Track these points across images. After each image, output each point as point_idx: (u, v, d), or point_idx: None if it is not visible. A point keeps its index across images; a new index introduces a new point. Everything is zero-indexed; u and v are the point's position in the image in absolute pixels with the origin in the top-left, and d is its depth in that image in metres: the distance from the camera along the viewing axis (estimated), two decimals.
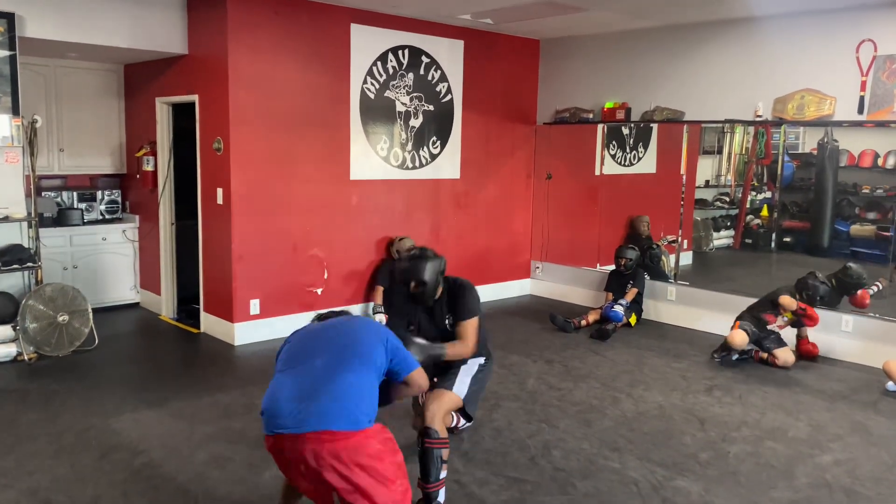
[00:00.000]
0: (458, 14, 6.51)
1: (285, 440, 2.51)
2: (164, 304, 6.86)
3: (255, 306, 6.03)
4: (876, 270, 6.16)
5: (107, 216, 7.03)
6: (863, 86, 5.67)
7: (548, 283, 8.08)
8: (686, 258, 7.45)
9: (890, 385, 5.13)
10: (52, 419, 4.37)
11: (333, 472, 2.46)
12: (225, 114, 5.73)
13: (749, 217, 7.45)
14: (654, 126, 7.38)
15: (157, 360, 5.68)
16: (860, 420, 4.62)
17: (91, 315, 5.76)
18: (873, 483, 3.75)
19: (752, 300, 6.40)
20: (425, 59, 6.92)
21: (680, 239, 7.19)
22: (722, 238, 7.84)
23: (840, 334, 5.87)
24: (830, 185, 6.59)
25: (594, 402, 4.84)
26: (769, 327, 5.69)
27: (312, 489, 2.60)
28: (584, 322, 6.69)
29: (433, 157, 7.15)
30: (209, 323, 6.27)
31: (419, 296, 3.54)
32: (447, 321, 3.61)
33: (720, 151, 7.50)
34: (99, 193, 7.00)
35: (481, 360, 3.75)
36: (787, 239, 6.97)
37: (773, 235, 6.88)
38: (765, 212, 7.22)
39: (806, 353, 5.81)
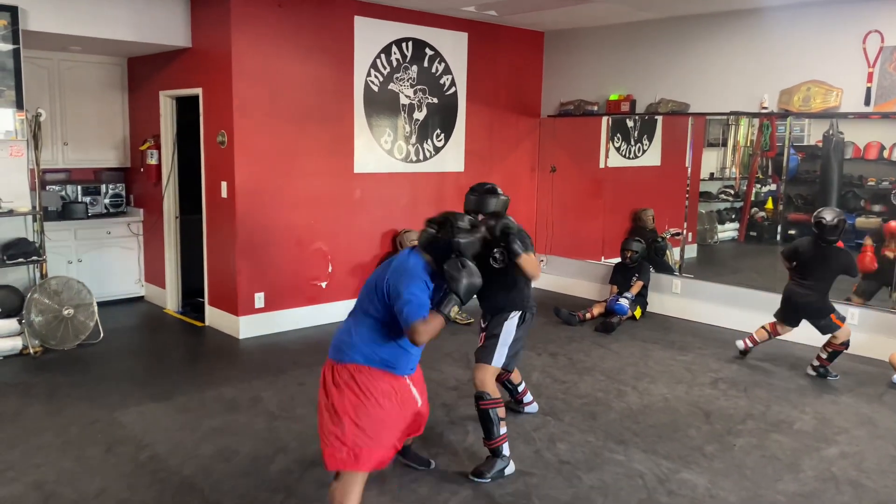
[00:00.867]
0: (462, 6, 6.48)
1: None
2: (169, 298, 6.87)
3: (259, 300, 6.03)
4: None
5: (111, 210, 7.03)
6: (869, 77, 5.64)
7: (552, 276, 8.07)
8: (691, 251, 7.43)
9: None
10: (58, 412, 4.38)
11: (322, 387, 3.00)
12: (228, 107, 5.72)
13: (754, 210, 7.42)
14: (659, 118, 7.35)
15: (162, 354, 5.69)
16: (866, 413, 4.61)
17: (96, 309, 5.76)
18: (879, 475, 3.74)
19: (758, 293, 6.39)
20: (429, 52, 6.90)
21: (685, 232, 7.16)
22: (727, 231, 7.82)
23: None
24: (836, 177, 6.56)
25: (599, 395, 4.83)
26: None
27: None
28: (588, 315, 6.68)
29: (437, 149, 7.13)
30: (214, 316, 6.27)
31: (499, 222, 3.68)
32: (496, 255, 3.68)
33: (725, 144, 7.47)
34: (103, 187, 7.00)
35: (516, 319, 3.83)
36: (792, 231, 6.94)
37: (779, 228, 6.85)
38: (769, 204, 7.19)
39: None
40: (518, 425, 4.28)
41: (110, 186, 7.04)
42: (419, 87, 6.88)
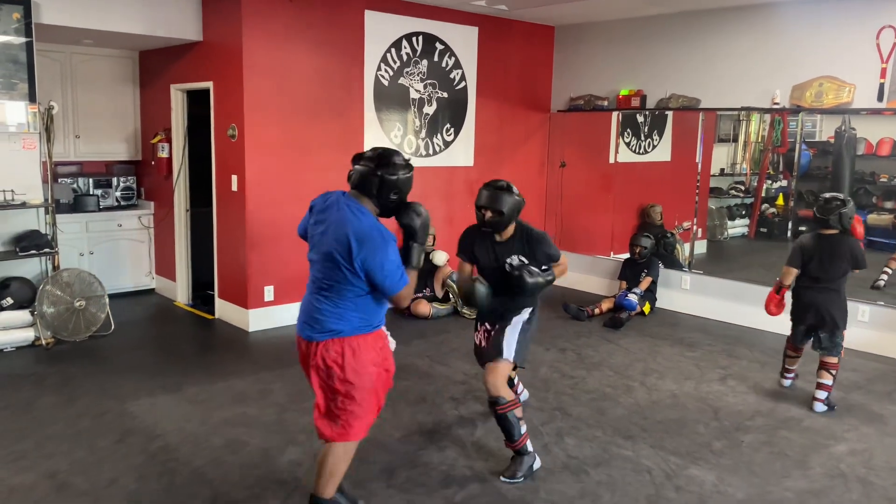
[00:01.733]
0: (472, 0, 6.47)
1: None
2: (180, 291, 6.91)
3: (269, 293, 6.06)
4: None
5: (122, 202, 7.07)
6: (883, 73, 5.59)
7: None
8: (700, 247, 7.41)
9: None
10: (70, 403, 4.42)
11: (308, 365, 3.01)
12: (239, 101, 5.74)
13: (764, 206, 7.40)
14: (669, 114, 7.33)
15: (173, 346, 5.73)
16: (876, 410, 4.59)
17: (107, 301, 5.81)
18: (888, 473, 3.73)
19: (768, 290, 6.35)
20: (439, 46, 6.90)
21: (695, 227, 7.14)
22: (737, 227, 7.80)
23: (856, 324, 5.82)
24: (847, 173, 6.52)
25: (607, 391, 4.83)
26: None
27: None
28: (597, 310, 6.68)
29: (447, 144, 7.13)
30: (224, 309, 6.30)
31: (492, 224, 3.62)
32: (511, 261, 3.63)
33: (736, 139, 7.44)
34: (114, 180, 7.04)
35: (527, 313, 3.80)
36: (803, 228, 6.92)
37: (789, 224, 6.82)
38: (780, 200, 7.16)
39: None
40: (526, 420, 4.28)
41: (121, 179, 7.08)
42: (429, 81, 6.88)
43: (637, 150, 7.81)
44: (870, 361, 5.55)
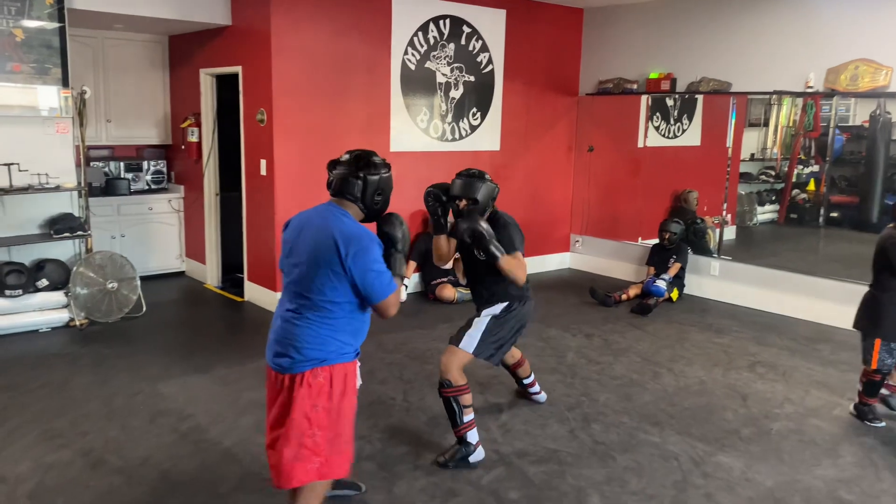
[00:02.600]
0: None
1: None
2: (209, 273, 7.00)
3: None
4: None
5: (153, 186, 7.16)
6: None
7: (588, 256, 8.03)
8: (730, 233, 7.32)
9: None
10: (104, 383, 4.51)
11: (278, 397, 2.72)
12: (268, 85, 5.76)
13: (795, 191, 7.28)
14: (700, 97, 7.22)
15: (203, 328, 5.81)
16: None
17: (139, 283, 5.90)
18: None
19: (797, 276, 6.29)
20: (466, 29, 6.85)
21: (724, 213, 7.05)
22: (767, 213, 7.68)
23: None
24: (882, 158, 6.38)
25: (634, 377, 4.81)
26: None
27: None
28: (624, 296, 6.64)
29: (473, 128, 7.11)
30: (253, 292, 6.37)
31: (467, 214, 3.53)
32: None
33: (766, 124, 7.32)
34: (145, 164, 7.13)
35: (499, 308, 3.64)
36: (835, 214, 6.80)
37: (821, 210, 6.70)
38: (811, 186, 7.04)
39: None
40: (552, 405, 4.30)
41: (152, 163, 7.16)
42: (456, 65, 6.85)
43: (666, 135, 7.71)
44: None
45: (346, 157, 2.65)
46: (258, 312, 6.15)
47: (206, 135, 6.71)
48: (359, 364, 2.75)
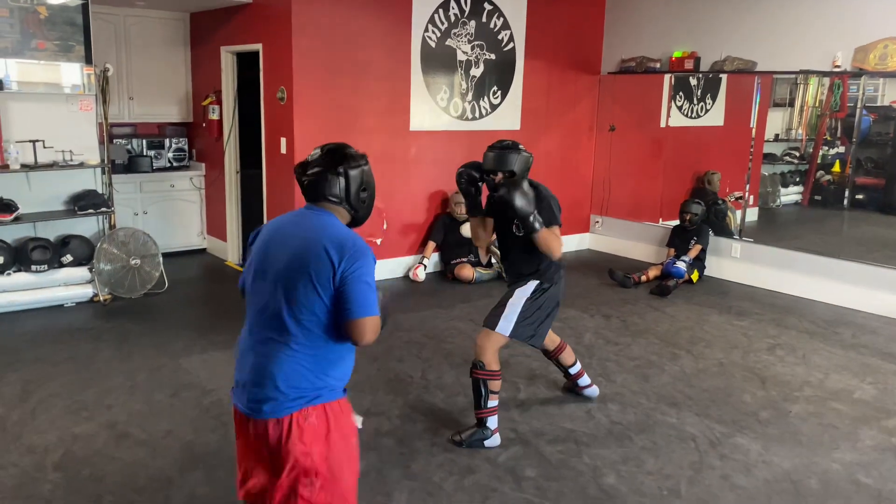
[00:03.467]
0: None
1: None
2: (230, 251, 7.06)
3: None
4: None
5: (174, 164, 7.22)
6: None
7: (608, 237, 7.99)
8: (752, 214, 7.24)
9: None
10: (127, 357, 4.59)
11: (256, 447, 2.26)
12: (288, 63, 5.77)
13: (819, 173, 7.17)
14: (724, 77, 7.12)
15: (224, 305, 5.87)
16: None
17: (161, 259, 5.97)
18: None
19: (820, 258, 6.21)
20: (487, 6, 6.79)
21: (746, 194, 6.98)
22: (790, 194, 7.58)
23: None
24: None
25: (652, 358, 4.81)
26: None
27: None
28: (643, 278, 6.61)
29: (493, 107, 7.07)
30: None
31: (509, 183, 3.37)
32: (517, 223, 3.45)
33: (791, 104, 7.20)
34: (167, 141, 7.18)
35: (531, 287, 3.55)
36: (860, 196, 6.70)
37: (846, 192, 6.61)
38: (836, 167, 6.93)
39: None
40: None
41: (173, 141, 7.21)
42: (476, 42, 6.80)
43: (689, 115, 7.62)
44: None
45: (317, 153, 2.19)
46: None
47: (227, 113, 6.74)
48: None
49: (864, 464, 3.49)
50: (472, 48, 6.79)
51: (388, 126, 6.36)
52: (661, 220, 7.59)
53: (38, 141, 5.39)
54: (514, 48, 7.08)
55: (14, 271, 5.36)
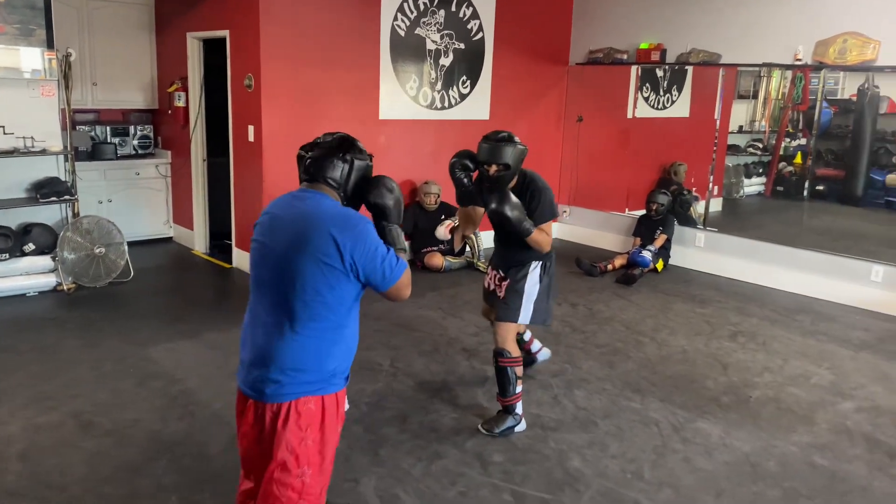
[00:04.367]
0: None
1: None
2: (197, 239, 6.99)
3: None
4: None
5: (139, 151, 7.11)
6: None
7: (575, 227, 8.07)
8: (716, 205, 7.38)
9: None
10: (92, 346, 4.54)
11: (252, 433, 2.28)
12: (256, 50, 5.71)
13: (782, 164, 7.33)
14: (689, 69, 7.22)
15: (191, 293, 5.83)
16: (884, 370, 4.63)
17: (126, 248, 5.90)
18: (894, 430, 3.79)
19: (782, 248, 6.35)
20: None
21: (711, 185, 7.10)
22: (753, 185, 7.74)
23: (870, 284, 5.83)
24: (868, 132, 6.45)
25: (618, 345, 4.89)
26: None
27: None
28: (610, 266, 6.70)
29: (463, 96, 7.08)
30: (241, 258, 6.38)
31: (497, 180, 3.37)
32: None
33: (755, 96, 7.34)
34: (131, 128, 7.06)
35: (537, 271, 3.60)
36: (821, 187, 6.86)
37: (806, 183, 6.77)
38: (798, 159, 7.09)
39: None
40: (536, 371, 4.37)
41: (138, 128, 7.10)
42: (446, 31, 6.80)
43: (655, 106, 7.72)
44: (881, 321, 5.56)
45: (328, 138, 2.23)
46: (246, 279, 6.14)
47: (193, 100, 6.66)
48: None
49: (819, 446, 3.60)
50: (442, 37, 6.79)
51: (357, 114, 6.34)
52: (627, 209, 7.70)
53: None
54: (483, 38, 7.10)
55: None
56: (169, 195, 7.27)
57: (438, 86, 6.87)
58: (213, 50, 6.44)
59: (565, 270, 6.71)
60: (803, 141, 7.04)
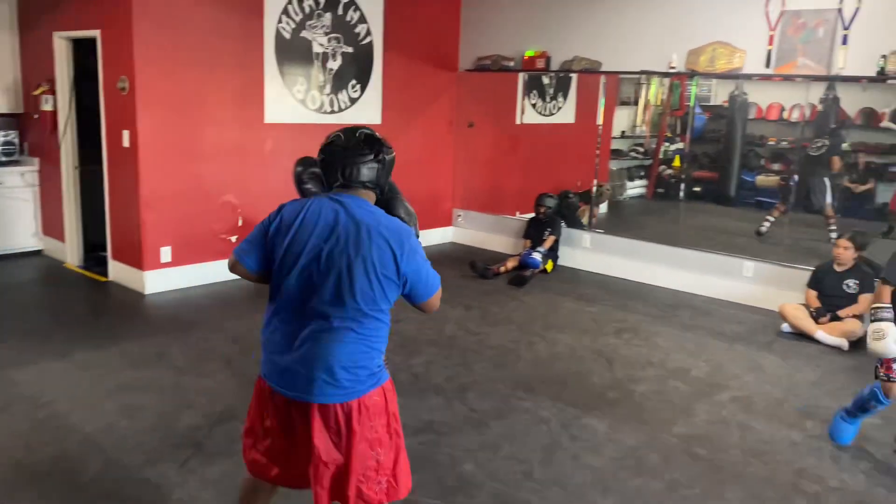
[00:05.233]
0: None
1: None
2: (69, 252, 6.55)
3: (166, 254, 5.84)
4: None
5: (3, 158, 6.60)
6: (770, 40, 5.85)
7: (469, 230, 8.15)
8: (602, 207, 7.63)
9: (785, 327, 5.46)
10: None
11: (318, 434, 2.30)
12: (130, 51, 5.42)
13: (662, 167, 7.68)
14: (574, 76, 7.44)
15: (62, 310, 5.45)
16: (756, 360, 4.90)
17: None
18: (766, 418, 4.01)
19: (663, 247, 6.64)
20: None
21: (595, 188, 7.33)
22: (636, 187, 8.07)
23: (742, 279, 6.18)
24: (739, 136, 6.85)
25: (510, 346, 4.95)
26: None
27: None
28: (502, 269, 6.80)
29: (353, 101, 7.00)
30: (118, 271, 6.04)
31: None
32: None
33: (636, 102, 7.66)
34: None
35: None
36: (697, 188, 7.23)
37: (683, 185, 7.10)
38: (677, 162, 7.45)
39: None
40: (430, 376, 4.36)
41: (1, 133, 6.59)
42: (333, 35, 6.70)
43: (542, 112, 7.91)
44: (752, 314, 5.90)
45: (352, 138, 2.21)
46: (123, 293, 5.83)
47: (63, 104, 6.25)
48: None
49: (698, 437, 3.76)
50: (329, 40, 6.69)
51: (241, 118, 6.14)
52: (517, 213, 7.84)
53: None
54: (371, 42, 7.05)
55: None
56: (37, 205, 6.79)
57: (327, 89, 6.76)
58: (84, 50, 6.07)
59: (460, 274, 6.75)
60: (681, 145, 7.40)
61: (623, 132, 7.79)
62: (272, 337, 2.20)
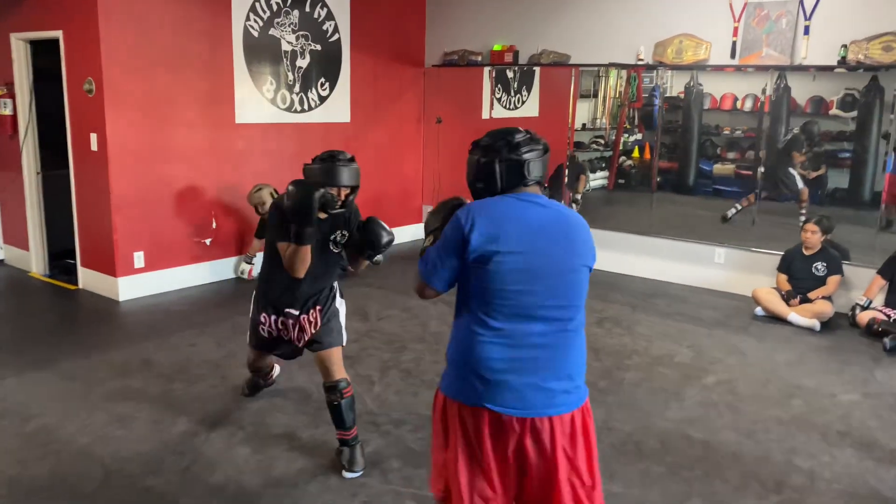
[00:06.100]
0: None
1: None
2: (34, 260, 6.34)
3: (139, 259, 5.70)
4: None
5: None
6: (735, 31, 6.00)
7: None
8: (579, 197, 7.71)
9: (758, 311, 5.63)
10: None
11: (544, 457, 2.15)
12: (96, 52, 5.27)
13: (622, 158, 7.81)
14: (537, 70, 7.50)
15: (34, 321, 5.28)
16: (735, 343, 5.04)
17: None
18: (752, 399, 4.13)
19: (628, 236, 6.75)
20: None
21: (564, 180, 7.42)
22: (598, 179, 8.18)
23: (714, 266, 6.34)
24: (696, 126, 7.00)
25: None
26: None
27: None
28: None
29: (322, 99, 6.94)
30: (88, 278, 5.87)
31: (348, 205, 3.26)
32: (335, 237, 3.32)
33: (596, 95, 7.77)
34: None
35: (337, 293, 3.47)
36: (659, 178, 7.37)
37: (645, 175, 7.22)
38: (636, 153, 7.58)
39: None
40: (421, 372, 4.36)
41: None
42: (301, 32, 6.63)
43: (507, 106, 7.96)
44: (726, 300, 6.06)
45: (522, 135, 2.15)
46: (96, 300, 5.67)
47: (22, 107, 6.04)
48: None
49: (692, 420, 3.86)
50: (297, 38, 6.61)
51: (211, 118, 6.03)
52: None
53: None
54: (339, 39, 6.99)
55: None
56: None
57: (297, 88, 6.68)
58: (45, 51, 5.87)
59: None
60: (640, 136, 7.53)
61: (584, 125, 7.89)
62: (474, 352, 2.14)
